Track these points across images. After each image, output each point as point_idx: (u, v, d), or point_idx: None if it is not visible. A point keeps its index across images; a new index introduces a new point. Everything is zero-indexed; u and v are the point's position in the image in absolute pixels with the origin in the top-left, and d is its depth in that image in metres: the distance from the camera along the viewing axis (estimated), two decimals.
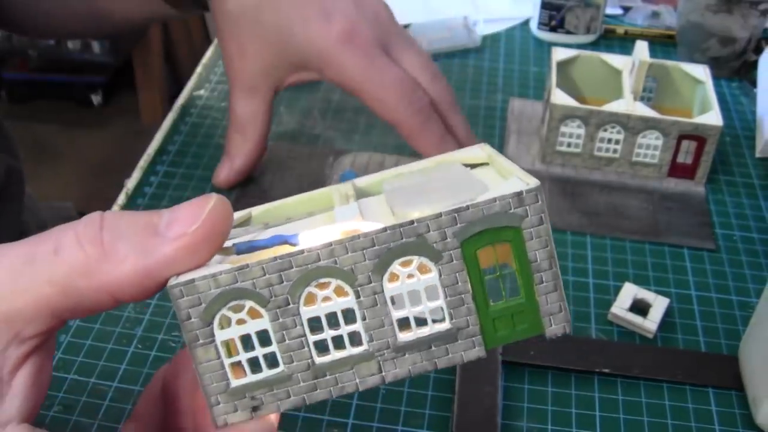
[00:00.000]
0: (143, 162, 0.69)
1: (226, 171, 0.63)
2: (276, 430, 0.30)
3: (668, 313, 0.57)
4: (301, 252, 0.27)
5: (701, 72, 0.73)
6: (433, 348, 0.29)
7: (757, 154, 0.75)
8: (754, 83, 0.83)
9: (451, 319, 0.29)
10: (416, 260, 0.28)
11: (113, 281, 0.27)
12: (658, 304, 0.57)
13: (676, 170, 0.70)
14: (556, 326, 0.29)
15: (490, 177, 0.33)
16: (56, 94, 2.22)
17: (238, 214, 0.34)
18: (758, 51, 0.86)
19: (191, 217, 0.28)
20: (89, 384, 0.51)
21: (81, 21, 0.66)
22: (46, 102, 2.19)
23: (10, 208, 0.67)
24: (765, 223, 0.67)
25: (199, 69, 0.83)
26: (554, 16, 0.91)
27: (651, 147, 0.69)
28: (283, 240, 0.29)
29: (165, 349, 0.54)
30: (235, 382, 0.28)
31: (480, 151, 0.36)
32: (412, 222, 0.27)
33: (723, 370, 0.54)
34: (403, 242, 0.27)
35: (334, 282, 0.27)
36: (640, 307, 0.57)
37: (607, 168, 0.71)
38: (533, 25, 0.93)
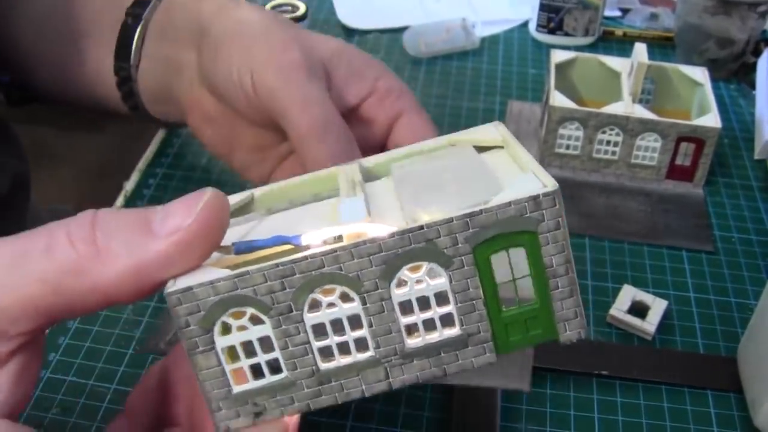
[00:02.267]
0: (142, 164, 0.69)
1: None
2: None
3: (667, 315, 0.57)
4: (305, 258, 0.26)
5: (700, 74, 0.73)
6: (443, 354, 0.28)
7: (756, 156, 0.75)
8: (752, 85, 0.83)
9: (462, 325, 0.27)
10: (426, 266, 0.27)
11: (105, 281, 0.26)
12: (657, 306, 0.57)
13: (675, 172, 0.70)
14: (570, 332, 0.28)
15: (504, 166, 0.31)
16: None
17: (240, 196, 0.33)
18: (757, 53, 0.86)
19: (185, 211, 0.27)
20: (88, 386, 0.51)
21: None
22: (45, 105, 2.18)
23: (18, 214, 0.67)
24: (763, 225, 0.67)
25: None
26: (552, 18, 0.91)
27: (649, 149, 0.69)
28: (284, 240, 0.28)
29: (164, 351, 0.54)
30: (237, 389, 0.27)
31: (494, 131, 0.34)
32: (421, 227, 0.26)
33: (721, 372, 0.54)
34: (412, 248, 0.26)
35: (339, 288, 0.26)
36: (638, 309, 0.57)
37: (606, 170, 0.71)
38: (531, 27, 0.93)
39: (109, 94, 0.56)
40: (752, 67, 0.85)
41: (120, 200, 0.65)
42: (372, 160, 0.34)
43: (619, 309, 0.57)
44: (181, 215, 0.26)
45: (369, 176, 0.33)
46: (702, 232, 0.66)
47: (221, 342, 0.27)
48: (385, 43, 0.91)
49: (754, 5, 0.81)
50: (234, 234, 0.31)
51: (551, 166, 0.71)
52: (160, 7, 0.54)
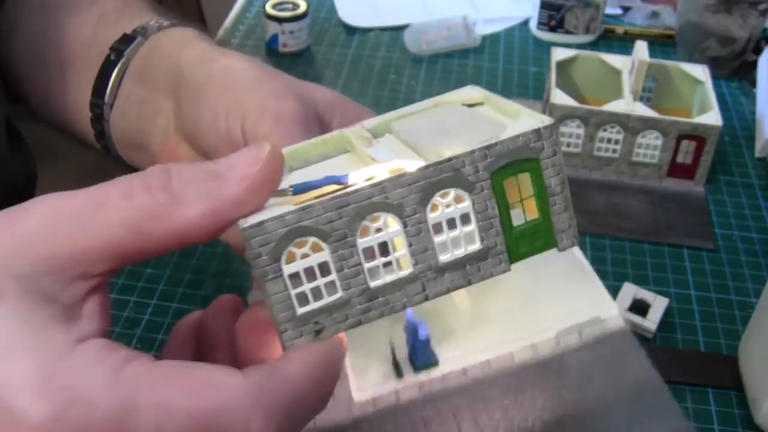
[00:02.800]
0: None
1: None
2: (343, 349, 0.32)
3: (667, 313, 0.57)
4: (357, 191, 0.30)
5: (701, 72, 0.73)
6: (468, 267, 0.32)
7: (757, 154, 0.75)
8: (753, 83, 0.83)
9: (482, 241, 0.32)
10: (453, 192, 0.31)
11: (183, 223, 0.29)
12: (658, 304, 0.57)
13: (676, 170, 0.70)
14: (566, 241, 0.33)
15: (495, 115, 0.36)
16: None
17: None
18: (758, 51, 0.86)
19: (251, 160, 0.30)
20: None
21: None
22: None
23: None
24: (764, 223, 0.67)
25: None
26: (554, 16, 0.91)
27: (650, 147, 0.69)
28: (335, 180, 0.31)
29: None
30: (301, 310, 0.31)
31: (471, 92, 0.39)
32: (450, 159, 0.30)
33: (722, 370, 0.54)
34: (443, 177, 0.31)
35: (385, 215, 0.31)
36: (639, 307, 0.57)
37: (607, 168, 0.71)
38: (533, 25, 0.93)
39: (85, 129, 0.55)
40: (753, 65, 0.85)
41: None
42: (371, 122, 0.38)
43: (620, 307, 0.57)
44: (248, 163, 0.30)
45: (375, 135, 0.37)
46: (703, 230, 0.66)
47: (287, 269, 0.30)
48: (386, 41, 0.91)
49: (755, 3, 0.81)
50: None
51: None
52: (144, 47, 0.52)
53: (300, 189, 0.32)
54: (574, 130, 0.69)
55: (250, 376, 0.29)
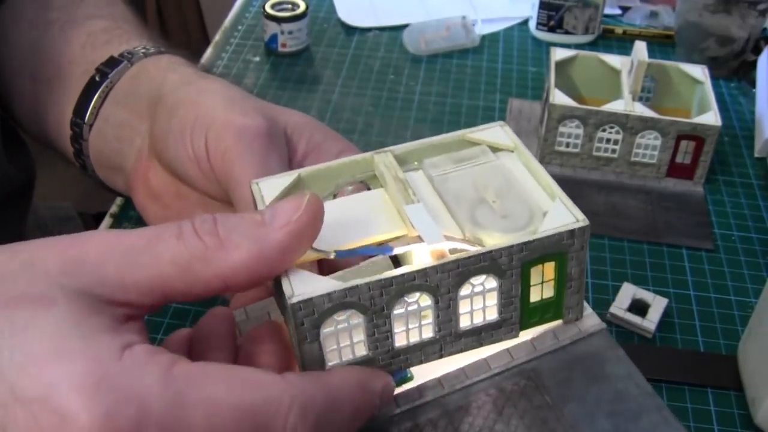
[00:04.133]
0: None
1: None
2: (385, 380, 0.34)
3: (667, 313, 0.57)
4: (402, 275, 0.32)
5: (700, 72, 0.73)
6: (483, 333, 0.35)
7: (756, 154, 0.75)
8: (752, 83, 0.83)
9: (500, 313, 0.35)
10: (486, 276, 0.34)
11: (228, 267, 0.31)
12: (657, 304, 0.57)
13: (675, 170, 0.70)
14: (572, 315, 0.37)
15: (526, 179, 0.38)
16: None
17: (290, 177, 0.38)
18: (757, 51, 0.86)
19: (293, 208, 0.31)
20: None
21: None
22: None
23: (21, 212, 0.67)
24: (763, 223, 0.67)
25: None
26: (553, 16, 0.91)
27: (649, 147, 0.69)
28: (380, 251, 0.35)
29: None
30: (330, 365, 0.33)
31: (501, 132, 0.40)
32: (490, 251, 0.33)
33: (721, 370, 0.54)
34: (480, 265, 0.33)
35: (421, 293, 0.33)
36: (638, 307, 0.57)
37: (606, 168, 0.71)
38: (532, 25, 0.93)
39: (65, 146, 0.55)
40: (752, 65, 0.85)
41: (119, 198, 0.65)
42: (401, 149, 0.39)
43: (619, 307, 0.57)
44: (290, 211, 0.31)
45: (401, 163, 0.39)
46: (702, 230, 0.66)
47: (324, 334, 0.33)
48: (385, 41, 0.91)
49: (754, 3, 0.81)
50: None
51: (551, 164, 0.71)
52: (129, 72, 0.52)
53: (343, 255, 0.34)
54: (573, 130, 0.69)
55: (289, 377, 0.31)
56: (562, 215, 0.35)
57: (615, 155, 0.70)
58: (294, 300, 0.31)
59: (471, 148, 0.40)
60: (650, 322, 0.56)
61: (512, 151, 0.40)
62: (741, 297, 0.60)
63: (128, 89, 0.52)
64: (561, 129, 0.69)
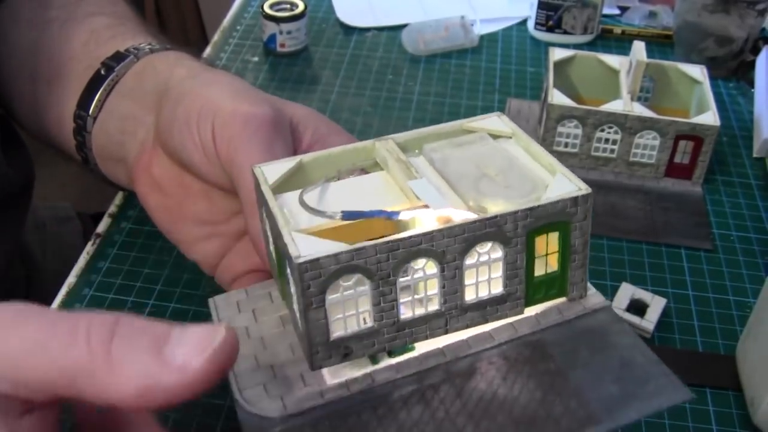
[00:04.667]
0: None
1: None
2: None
3: (665, 313, 0.57)
4: (408, 237, 0.32)
5: (698, 72, 0.73)
6: (488, 308, 0.35)
7: (755, 154, 0.75)
8: (751, 83, 0.83)
9: (505, 287, 0.35)
10: (491, 244, 0.34)
11: (113, 393, 0.28)
12: (655, 304, 0.57)
13: (674, 170, 0.70)
14: (576, 292, 0.37)
15: (526, 158, 0.38)
16: None
17: (290, 162, 0.38)
18: (755, 51, 0.86)
19: (198, 347, 0.28)
20: None
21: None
22: None
23: (21, 212, 0.67)
24: (762, 223, 0.67)
25: None
26: (551, 16, 0.91)
27: (648, 147, 0.69)
28: (386, 214, 0.34)
29: None
30: (334, 335, 0.33)
31: (499, 121, 0.41)
32: (495, 216, 0.33)
33: (720, 370, 0.54)
34: (486, 231, 0.33)
35: (428, 259, 0.33)
36: (637, 307, 0.57)
37: (605, 168, 0.71)
38: (530, 25, 0.93)
39: (67, 140, 0.55)
40: (751, 65, 0.85)
41: (119, 198, 0.65)
42: (402, 137, 0.40)
43: (617, 307, 0.57)
44: (194, 350, 0.28)
45: (403, 150, 0.39)
46: (701, 230, 0.66)
47: (330, 300, 0.32)
48: (384, 41, 0.91)
49: (753, 3, 0.81)
50: (311, 197, 0.37)
51: None
52: (136, 66, 0.52)
53: (350, 216, 0.34)
54: (571, 130, 0.69)
55: None
56: (565, 185, 0.35)
57: (613, 155, 0.70)
58: (301, 260, 0.31)
59: (470, 134, 0.40)
60: (649, 322, 0.56)
61: (511, 137, 0.40)
62: (740, 297, 0.60)
63: (134, 83, 0.52)
64: (559, 129, 0.69)
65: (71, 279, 0.58)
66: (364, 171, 0.40)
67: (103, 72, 0.52)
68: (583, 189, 0.35)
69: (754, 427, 0.50)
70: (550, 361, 0.35)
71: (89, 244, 0.61)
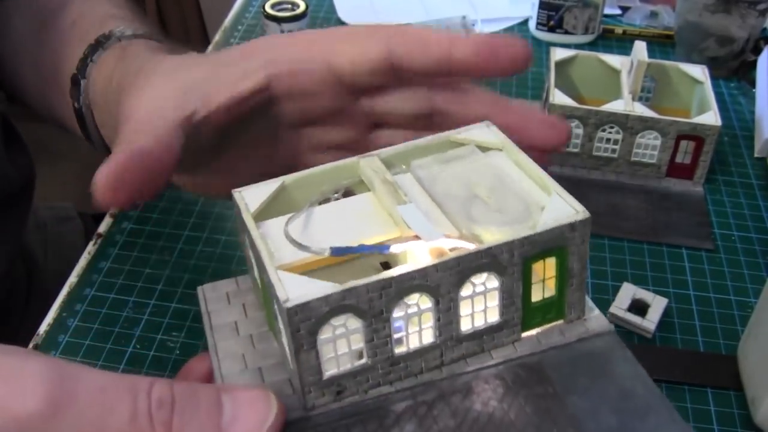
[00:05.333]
0: None
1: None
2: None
3: (667, 313, 0.57)
4: (401, 274, 0.31)
5: (699, 72, 0.73)
6: (484, 337, 0.34)
7: (756, 154, 0.75)
8: (752, 83, 0.83)
9: (502, 315, 0.34)
10: (487, 274, 0.32)
11: None
12: (657, 304, 0.57)
13: (675, 170, 0.70)
14: (573, 314, 0.36)
15: (517, 175, 0.37)
16: None
17: (271, 184, 0.37)
18: (757, 51, 0.86)
19: (257, 422, 0.30)
20: None
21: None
22: None
23: (22, 212, 0.67)
24: (763, 223, 0.67)
25: None
26: (552, 16, 0.91)
27: (649, 147, 0.69)
28: (376, 249, 0.33)
29: (163, 349, 0.54)
30: (327, 374, 0.32)
31: (488, 132, 0.39)
32: (490, 247, 0.32)
33: (721, 369, 0.54)
34: (481, 262, 0.32)
35: (421, 294, 0.32)
36: (638, 307, 0.57)
37: (606, 168, 0.71)
38: (531, 25, 0.93)
39: (70, 116, 0.53)
40: (752, 65, 0.85)
41: None
42: (387, 152, 0.38)
43: (619, 307, 0.57)
44: (254, 425, 0.30)
45: (388, 166, 0.38)
46: (702, 230, 0.66)
47: (321, 341, 0.31)
48: None
49: (754, 3, 0.81)
50: (296, 227, 0.35)
51: (551, 165, 0.71)
52: (138, 41, 0.51)
53: (338, 252, 0.33)
54: (573, 130, 0.69)
55: None
56: (561, 208, 0.34)
57: (615, 155, 0.70)
58: (290, 304, 0.30)
59: (459, 148, 0.39)
60: (650, 322, 0.56)
61: (501, 150, 0.39)
62: (741, 297, 0.60)
63: (134, 49, 0.51)
64: None
65: (72, 279, 0.58)
66: (349, 190, 0.39)
67: (106, 33, 0.52)
68: (581, 212, 0.33)
69: (755, 427, 0.50)
70: (548, 384, 0.34)
71: (90, 244, 0.61)
